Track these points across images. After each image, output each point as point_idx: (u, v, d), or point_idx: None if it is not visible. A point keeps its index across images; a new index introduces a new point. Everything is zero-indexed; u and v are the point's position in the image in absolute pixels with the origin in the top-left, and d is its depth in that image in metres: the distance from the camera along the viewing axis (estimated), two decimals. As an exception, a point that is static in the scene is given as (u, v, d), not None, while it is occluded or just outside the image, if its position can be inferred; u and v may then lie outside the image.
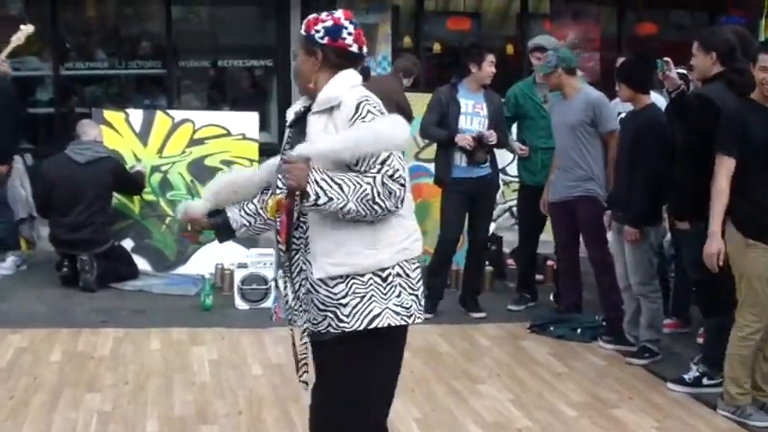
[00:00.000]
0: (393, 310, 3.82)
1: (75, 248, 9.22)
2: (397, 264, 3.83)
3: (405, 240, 3.85)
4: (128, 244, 9.87)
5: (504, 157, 9.20)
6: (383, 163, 3.72)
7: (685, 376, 6.78)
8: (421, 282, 3.95)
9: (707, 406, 6.43)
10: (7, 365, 7.03)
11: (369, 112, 3.81)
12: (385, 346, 3.93)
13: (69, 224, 9.28)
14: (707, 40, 6.53)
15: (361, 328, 3.81)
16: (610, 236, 7.76)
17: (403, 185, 3.73)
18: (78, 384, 6.63)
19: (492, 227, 9.48)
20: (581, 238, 8.15)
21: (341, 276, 3.82)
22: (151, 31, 14.73)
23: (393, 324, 3.82)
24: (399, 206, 3.73)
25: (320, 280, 3.85)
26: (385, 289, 3.82)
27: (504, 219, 10.76)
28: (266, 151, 11.77)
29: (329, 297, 3.85)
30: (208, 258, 9.37)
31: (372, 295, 3.81)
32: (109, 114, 10.36)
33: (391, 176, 3.71)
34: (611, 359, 7.52)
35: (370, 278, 3.81)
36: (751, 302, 6.01)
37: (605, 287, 7.87)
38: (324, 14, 4.02)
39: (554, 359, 7.49)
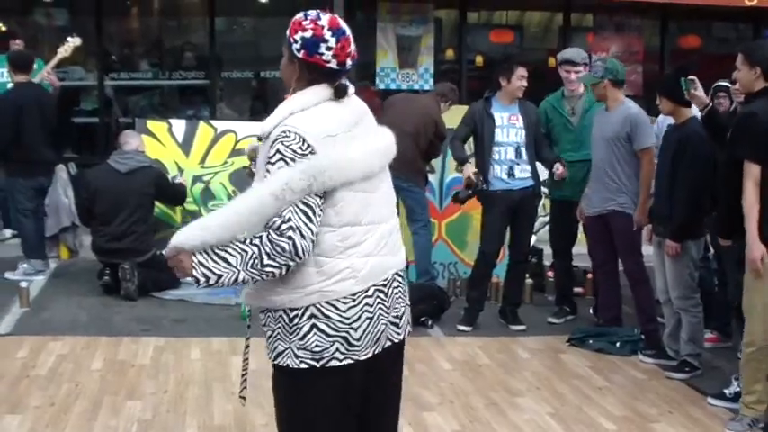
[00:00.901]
0: (294, 352, 3.64)
1: (117, 257, 9.28)
2: (313, 305, 3.61)
3: (321, 283, 3.60)
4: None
5: (543, 171, 9.17)
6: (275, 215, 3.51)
7: (726, 391, 6.74)
8: (355, 321, 3.65)
9: (747, 421, 6.38)
10: (48, 373, 7.09)
11: (278, 152, 3.54)
12: (299, 385, 3.73)
13: (111, 233, 9.35)
14: (751, 53, 6.47)
15: (271, 359, 3.73)
16: (650, 249, 7.72)
17: (292, 238, 3.47)
18: (118, 392, 6.68)
19: (533, 239, 9.46)
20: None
21: (261, 307, 3.74)
22: (194, 42, 14.82)
23: (292, 365, 3.65)
24: (298, 259, 3.50)
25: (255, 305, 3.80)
26: (290, 328, 3.64)
27: (544, 231, 10.71)
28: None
29: (260, 321, 3.79)
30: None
31: (279, 333, 3.68)
32: (152, 124, 10.46)
33: (278, 229, 3.48)
34: (651, 373, 7.48)
35: (280, 315, 3.66)
36: None
37: (640, 300, 7.86)
38: (310, 18, 3.74)
39: (593, 372, 7.47)
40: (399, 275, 3.87)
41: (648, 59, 15.30)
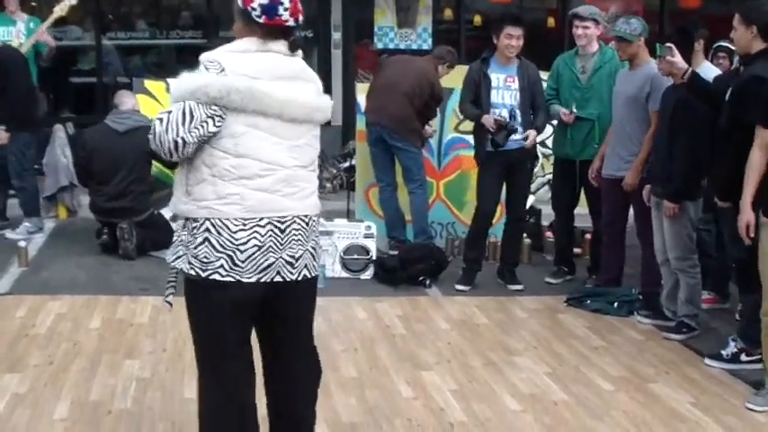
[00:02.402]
0: (188, 259, 4.12)
1: (115, 217, 9.27)
2: (208, 220, 4.07)
3: (213, 201, 4.06)
4: (167, 212, 9.92)
5: (546, 131, 9.17)
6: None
7: (723, 352, 6.75)
8: (243, 244, 4.07)
9: (744, 382, 6.41)
10: (47, 332, 7.11)
11: (204, 67, 4.04)
12: (192, 290, 4.20)
13: (109, 193, 9.34)
14: (748, 13, 6.41)
15: (169, 260, 4.25)
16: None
17: (155, 126, 4.04)
18: (117, 351, 6.70)
19: (531, 199, 9.48)
20: (629, 213, 8.13)
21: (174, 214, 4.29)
22: (191, 2, 14.75)
23: (184, 270, 4.14)
24: (161, 146, 4.05)
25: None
26: (190, 237, 4.13)
27: (542, 191, 10.74)
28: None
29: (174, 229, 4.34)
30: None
31: (182, 239, 4.19)
32: (150, 84, 10.43)
33: (158, 117, 4.10)
34: (649, 334, 7.50)
35: (186, 224, 4.16)
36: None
37: (649, 262, 7.80)
38: None
39: (591, 333, 7.49)
40: (303, 220, 4.28)
41: (648, 19, 15.12)
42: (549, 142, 10.12)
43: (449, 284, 8.65)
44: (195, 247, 4.09)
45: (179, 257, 4.17)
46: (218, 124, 4.01)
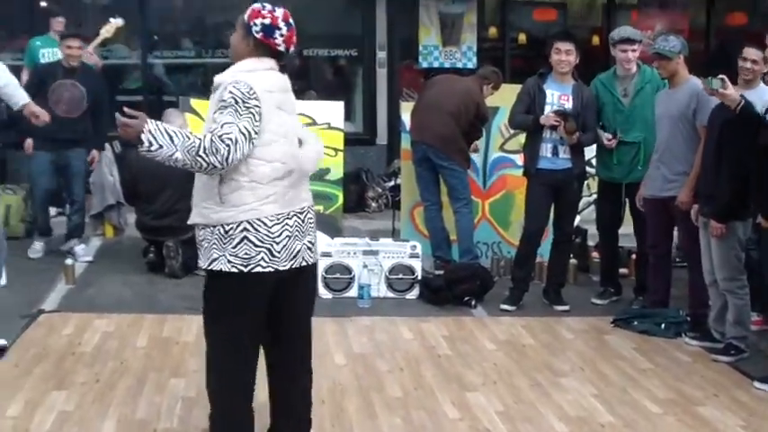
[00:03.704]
0: (227, 258, 4.55)
1: (162, 235, 9.31)
2: (246, 221, 4.51)
3: (254, 203, 4.53)
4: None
5: (589, 150, 9.11)
6: (222, 125, 4.37)
7: (772, 375, 6.70)
8: (278, 236, 4.58)
9: (794, 405, 6.33)
10: (94, 350, 7.14)
11: (230, 92, 4.44)
12: (228, 285, 4.62)
13: (155, 211, 9.39)
14: None
15: (205, 266, 4.63)
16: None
17: (229, 146, 4.33)
18: (163, 369, 6.72)
19: (577, 219, 9.43)
20: (675, 234, 8.06)
21: (199, 224, 4.64)
22: (237, 20, 14.80)
23: (224, 270, 4.54)
24: (225, 164, 4.35)
25: (194, 223, 4.69)
26: (224, 240, 4.54)
27: (588, 211, 10.67)
28: (352, 141, 11.88)
29: (197, 237, 4.70)
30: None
31: (214, 243, 4.57)
32: (196, 103, 10.47)
33: (219, 136, 4.33)
34: (697, 356, 7.42)
35: (217, 229, 4.55)
36: None
37: (698, 284, 7.71)
38: (267, 9, 4.69)
39: (638, 354, 7.42)
40: (311, 209, 4.85)
41: (693, 37, 15.13)
42: (594, 162, 10.09)
43: (494, 305, 8.62)
44: (234, 247, 4.54)
45: (215, 260, 4.59)
46: (255, 139, 4.49)
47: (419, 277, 8.90)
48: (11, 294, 8.56)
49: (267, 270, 4.57)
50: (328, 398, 6.23)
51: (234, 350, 4.73)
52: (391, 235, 10.32)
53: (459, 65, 14.24)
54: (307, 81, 14.81)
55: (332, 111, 10.38)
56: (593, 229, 9.71)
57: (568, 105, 8.33)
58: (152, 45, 14.22)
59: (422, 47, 14.33)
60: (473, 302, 8.62)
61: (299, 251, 4.68)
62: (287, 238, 4.60)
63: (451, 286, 8.67)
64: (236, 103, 4.41)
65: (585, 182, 9.24)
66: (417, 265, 8.91)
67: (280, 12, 4.72)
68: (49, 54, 11.41)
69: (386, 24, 14.13)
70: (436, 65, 14.24)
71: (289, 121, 4.70)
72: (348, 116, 12.47)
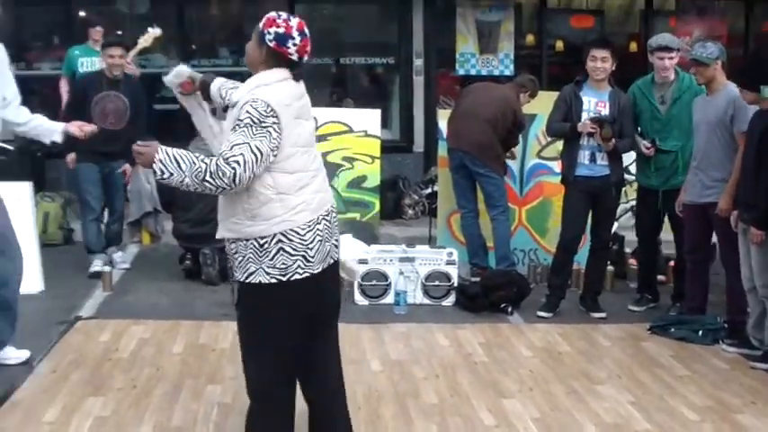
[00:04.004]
0: (265, 270, 4.57)
1: (198, 242, 9.34)
2: (279, 233, 4.54)
3: (285, 215, 4.56)
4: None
5: (627, 156, 9.07)
6: (232, 147, 4.42)
7: (811, 382, 6.63)
8: (311, 242, 4.62)
9: (834, 413, 6.27)
10: (131, 356, 7.17)
11: (247, 112, 4.45)
12: (268, 296, 4.63)
13: (192, 219, 9.42)
14: None
15: (242, 279, 4.65)
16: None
17: (235, 169, 4.37)
18: (199, 376, 6.74)
19: (614, 226, 9.38)
20: (713, 241, 8.02)
21: (230, 239, 4.70)
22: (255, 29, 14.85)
23: (264, 282, 4.57)
24: (234, 185, 4.41)
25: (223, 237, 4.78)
26: (260, 253, 4.57)
27: (626, 218, 10.64)
28: (388, 148, 11.88)
29: (229, 251, 4.75)
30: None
31: (250, 257, 4.60)
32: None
33: (226, 159, 4.39)
34: (735, 363, 7.36)
35: (251, 243, 4.58)
36: None
37: (735, 290, 7.66)
38: (282, 18, 4.69)
39: (675, 361, 7.37)
40: (333, 208, 4.88)
41: (732, 43, 15.06)
42: (632, 168, 10.05)
43: (531, 311, 8.59)
44: (271, 259, 4.57)
45: (252, 273, 4.61)
46: (271, 155, 4.51)
47: (455, 284, 8.88)
48: (48, 301, 8.62)
49: (304, 276, 4.61)
50: (364, 404, 6.23)
51: (276, 361, 4.75)
52: (428, 242, 10.32)
53: (496, 72, 14.24)
54: (344, 89, 14.86)
55: (369, 118, 10.39)
56: (630, 236, 9.67)
57: (605, 112, 8.29)
58: (189, 54, 14.29)
59: (459, 55, 14.35)
60: (509, 309, 8.60)
61: (328, 252, 4.76)
62: (319, 243, 4.66)
63: (488, 293, 8.65)
64: (252, 122, 4.44)
65: (623, 189, 9.18)
66: (454, 271, 8.89)
67: (294, 21, 4.72)
68: (87, 63, 11.49)
69: (422, 32, 14.14)
70: (473, 72, 14.25)
71: (307, 128, 4.75)
72: (385, 124, 12.48)
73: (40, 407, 6.07)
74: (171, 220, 9.86)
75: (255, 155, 4.41)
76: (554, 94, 8.82)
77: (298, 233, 4.58)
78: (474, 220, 9.57)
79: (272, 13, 4.74)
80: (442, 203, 10.39)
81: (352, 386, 6.46)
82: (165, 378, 6.68)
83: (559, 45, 15.24)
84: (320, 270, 4.68)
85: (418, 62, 14.16)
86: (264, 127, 4.43)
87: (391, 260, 8.83)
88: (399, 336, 7.84)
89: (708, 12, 15.45)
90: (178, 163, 4.45)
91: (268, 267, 4.57)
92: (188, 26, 14.40)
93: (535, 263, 10.04)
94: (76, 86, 9.96)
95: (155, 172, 4.48)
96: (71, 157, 9.58)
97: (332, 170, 10.06)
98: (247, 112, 4.45)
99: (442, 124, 10.15)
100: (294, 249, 4.58)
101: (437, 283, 8.85)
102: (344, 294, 8.84)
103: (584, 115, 8.31)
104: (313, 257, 4.64)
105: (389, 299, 8.72)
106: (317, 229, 4.66)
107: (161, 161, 4.44)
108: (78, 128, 7.37)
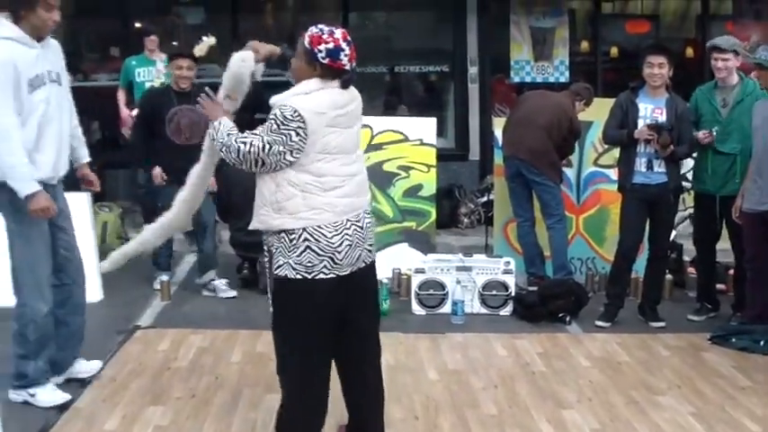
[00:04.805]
0: (291, 265, 4.82)
1: (255, 251, 9.33)
2: (303, 229, 4.79)
3: (307, 212, 4.79)
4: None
5: (685, 164, 9.00)
6: (247, 134, 4.89)
7: None
8: (339, 246, 4.83)
9: None
10: (189, 365, 7.22)
11: (274, 114, 4.79)
12: (294, 291, 4.91)
13: (246, 227, 9.42)
14: None
15: (273, 271, 4.95)
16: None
17: (239, 148, 4.83)
18: (258, 385, 6.76)
19: (672, 234, 9.30)
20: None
21: (261, 230, 5.02)
22: (297, 46, 14.87)
23: (290, 276, 4.83)
24: (240, 161, 4.86)
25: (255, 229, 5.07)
26: (289, 247, 4.82)
27: (684, 226, 10.55)
28: (444, 157, 11.86)
29: (265, 244, 5.06)
30: (385, 263, 9.41)
31: (281, 250, 4.87)
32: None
33: (236, 138, 4.89)
34: (798, 373, 7.29)
35: (282, 236, 4.85)
36: None
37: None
38: (327, 32, 4.88)
39: (737, 372, 7.29)
40: (367, 212, 5.07)
41: (791, 47, 14.88)
42: (690, 176, 9.97)
43: (589, 321, 8.54)
44: (298, 255, 4.80)
45: (280, 266, 4.88)
46: (290, 151, 4.79)
47: (513, 293, 8.85)
48: (108, 310, 8.69)
49: (330, 276, 4.83)
50: (422, 414, 6.23)
51: (304, 357, 4.99)
52: (484, 251, 10.30)
53: (552, 79, 14.18)
54: (398, 97, 14.85)
55: (424, 127, 10.37)
56: (688, 245, 9.58)
57: (662, 119, 8.22)
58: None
59: (513, 62, 14.30)
60: (568, 319, 8.56)
61: (359, 257, 4.95)
62: (348, 247, 4.86)
63: (546, 302, 8.61)
64: (275, 123, 4.76)
65: (681, 196, 9.10)
66: (511, 281, 8.86)
67: (339, 33, 4.91)
68: (144, 73, 11.58)
69: (477, 39, 14.11)
70: (528, 80, 14.22)
71: (344, 136, 4.90)
72: (440, 132, 12.45)
73: (101, 416, 6.13)
74: (228, 229, 9.89)
75: (264, 145, 4.77)
76: (609, 101, 8.76)
77: (325, 235, 4.80)
78: (531, 228, 9.53)
79: (315, 30, 4.93)
80: (498, 212, 10.37)
81: (409, 396, 6.51)
82: (224, 387, 6.72)
83: (614, 51, 15.16)
84: (348, 273, 4.89)
85: (473, 70, 14.14)
86: (285, 129, 4.74)
87: (448, 269, 8.81)
88: (457, 345, 7.82)
89: (765, 15, 15.27)
90: (223, 133, 4.97)
91: (295, 263, 4.81)
92: (242, 35, 14.44)
93: (593, 272, 9.99)
94: (143, 105, 9.65)
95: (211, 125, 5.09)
96: (157, 171, 9.19)
97: (388, 179, 10.07)
98: (275, 114, 4.79)
99: (498, 132, 10.13)
100: (321, 250, 4.80)
101: (494, 292, 8.83)
102: (400, 304, 8.91)
103: (641, 122, 8.25)
104: (341, 260, 4.84)
105: (446, 308, 8.70)
106: (346, 234, 4.86)
107: (217, 125, 5.04)
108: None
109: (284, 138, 4.74)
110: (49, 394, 6.30)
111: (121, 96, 11.78)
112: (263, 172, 4.88)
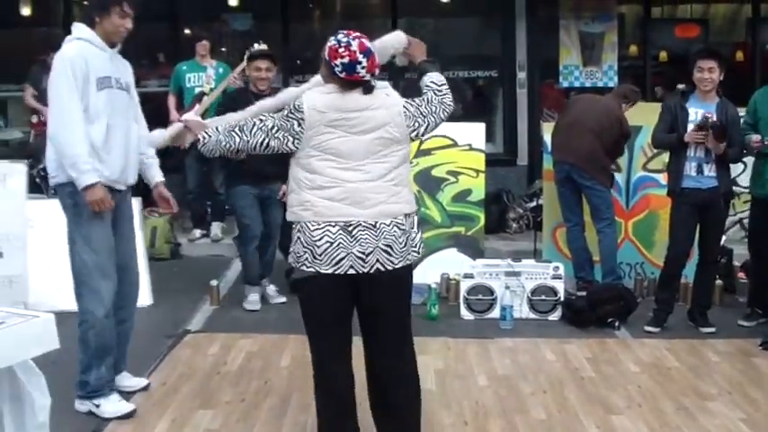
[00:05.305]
0: (293, 252, 5.03)
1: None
2: (297, 222, 4.98)
3: (296, 207, 4.97)
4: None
5: (735, 168, 8.94)
6: (250, 119, 5.10)
7: None
8: (318, 240, 4.89)
9: None
10: (239, 369, 7.26)
11: (288, 106, 4.97)
12: (293, 280, 5.28)
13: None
14: None
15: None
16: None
17: (254, 123, 5.02)
18: (307, 389, 6.71)
19: (723, 239, 9.24)
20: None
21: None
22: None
23: (291, 261, 5.06)
24: (246, 138, 5.01)
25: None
26: (294, 235, 5.02)
27: (734, 231, 10.48)
28: (492, 162, 11.85)
29: None
30: (434, 268, 9.44)
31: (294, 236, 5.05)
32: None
33: (261, 119, 5.05)
34: None
35: (296, 225, 5.02)
36: None
37: None
38: (343, 45, 4.88)
39: (788, 378, 7.25)
40: (368, 225, 4.92)
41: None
42: (740, 180, 9.90)
43: (638, 326, 8.50)
44: (293, 245, 5.02)
45: (290, 253, 5.07)
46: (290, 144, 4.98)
47: (562, 298, 8.83)
48: (157, 315, 8.78)
49: (310, 270, 4.93)
50: (471, 419, 6.22)
51: (314, 339, 5.18)
52: (533, 256, 10.28)
53: (600, 84, 14.12)
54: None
55: (473, 132, 10.37)
56: (738, 249, 9.51)
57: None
58: (292, 69, 14.40)
59: (562, 67, 14.27)
60: (617, 324, 8.52)
61: (342, 259, 4.90)
62: (327, 244, 4.89)
63: (595, 307, 8.58)
64: (287, 110, 4.96)
65: (732, 201, 9.03)
66: (560, 286, 8.84)
67: (356, 44, 4.90)
68: (194, 79, 11.67)
69: (525, 44, 14.09)
70: (577, 85, 14.17)
71: (351, 142, 4.92)
72: (489, 137, 12.42)
73: (151, 420, 6.17)
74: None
75: (273, 126, 4.96)
76: (658, 106, 8.73)
77: (309, 228, 4.92)
78: (580, 233, 9.50)
79: (333, 42, 4.93)
80: (547, 217, 10.35)
81: (459, 401, 6.52)
82: (273, 391, 6.75)
83: (663, 55, 15.09)
84: (330, 272, 4.91)
85: (521, 75, 14.11)
86: (291, 117, 4.90)
87: (497, 274, 8.81)
88: (506, 350, 7.81)
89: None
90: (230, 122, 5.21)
91: (293, 251, 5.02)
92: (292, 41, 14.53)
93: (642, 276, 9.94)
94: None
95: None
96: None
97: (437, 184, 10.09)
98: (288, 106, 4.99)
99: (547, 137, 10.11)
100: (305, 243, 4.93)
101: (543, 297, 8.81)
102: (449, 309, 8.92)
103: (690, 127, 8.20)
104: (320, 256, 4.90)
105: (495, 313, 8.70)
106: (328, 232, 4.90)
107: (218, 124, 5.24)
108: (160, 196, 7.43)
109: (288, 124, 4.90)
110: (113, 405, 6.29)
111: (172, 101, 11.88)
112: (269, 153, 5.06)
